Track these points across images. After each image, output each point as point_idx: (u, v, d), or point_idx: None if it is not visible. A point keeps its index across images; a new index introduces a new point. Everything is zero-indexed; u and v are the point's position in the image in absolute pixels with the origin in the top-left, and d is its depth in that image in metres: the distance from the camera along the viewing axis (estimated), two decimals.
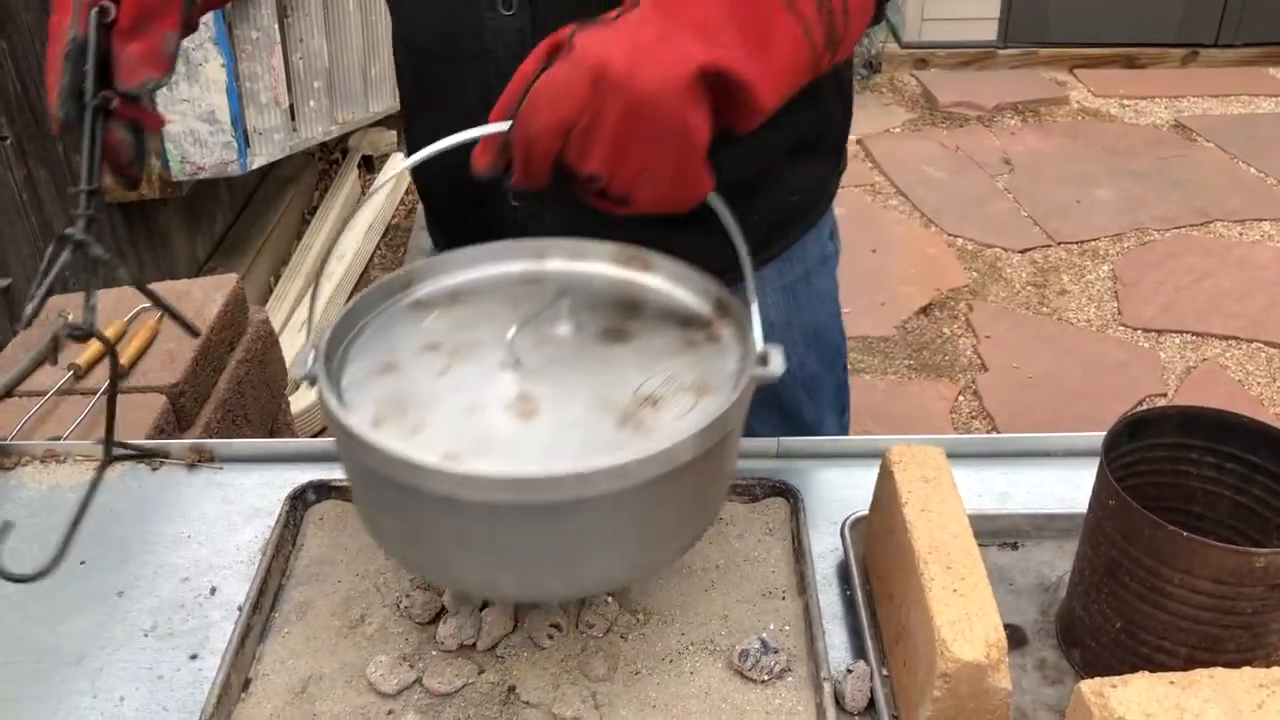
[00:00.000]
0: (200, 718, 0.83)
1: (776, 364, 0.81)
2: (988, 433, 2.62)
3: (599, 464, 0.71)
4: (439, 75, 1.06)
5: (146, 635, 0.95)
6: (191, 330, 0.98)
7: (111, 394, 0.95)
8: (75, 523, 0.86)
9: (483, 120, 0.81)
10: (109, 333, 1.69)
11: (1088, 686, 0.77)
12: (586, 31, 0.70)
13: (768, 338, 1.13)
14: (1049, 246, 3.42)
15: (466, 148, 0.75)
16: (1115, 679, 0.76)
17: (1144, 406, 2.69)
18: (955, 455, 0.96)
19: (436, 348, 0.86)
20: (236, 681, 0.88)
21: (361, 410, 0.79)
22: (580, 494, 0.71)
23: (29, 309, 0.85)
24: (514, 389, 0.81)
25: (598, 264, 0.96)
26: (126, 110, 0.84)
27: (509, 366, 0.82)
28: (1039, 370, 2.84)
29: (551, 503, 0.72)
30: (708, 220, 1.08)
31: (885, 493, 0.94)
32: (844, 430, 1.33)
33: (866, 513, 1.01)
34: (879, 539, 0.95)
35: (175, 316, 0.92)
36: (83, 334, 0.82)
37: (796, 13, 0.74)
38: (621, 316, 0.90)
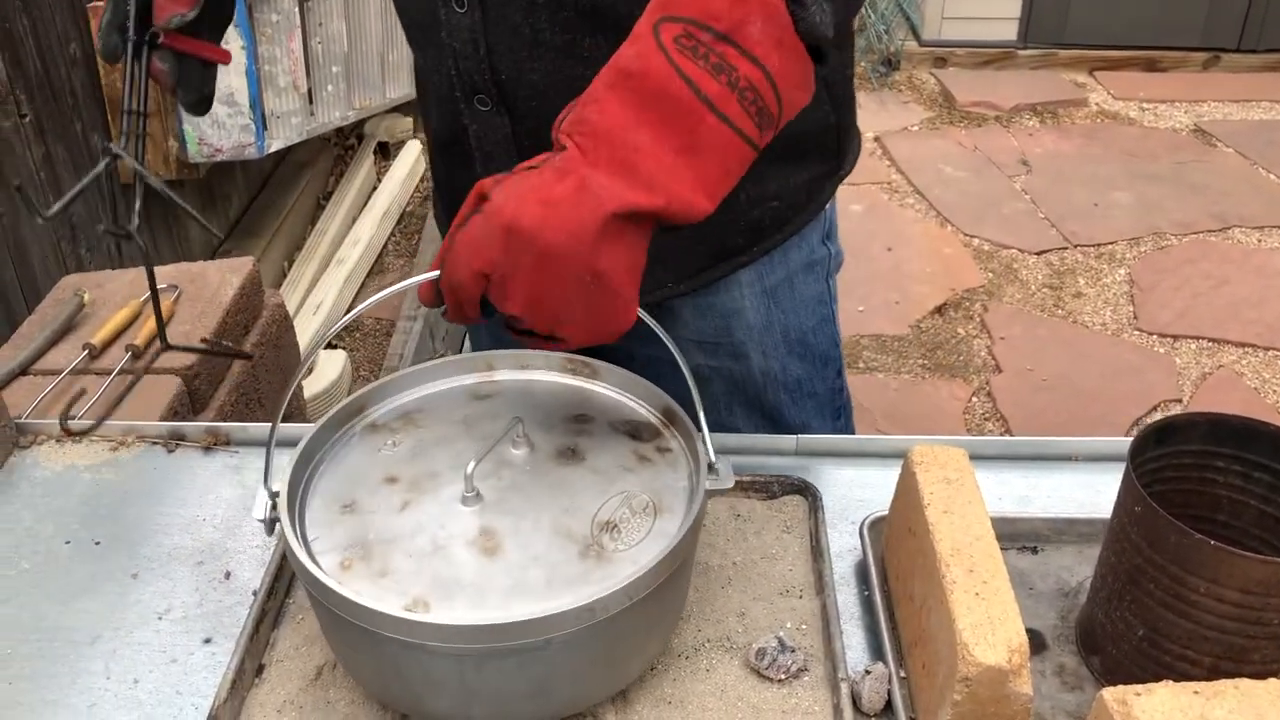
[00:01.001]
0: (214, 703, 0.83)
1: (726, 477, 0.85)
2: (1001, 434, 2.61)
3: (564, 606, 0.73)
4: (419, 60, 1.13)
5: (160, 618, 0.94)
6: (242, 355, 1.04)
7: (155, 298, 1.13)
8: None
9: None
10: (125, 312, 1.69)
11: (1110, 694, 0.76)
12: (504, 184, 0.75)
13: (745, 341, 1.16)
14: (1065, 249, 3.40)
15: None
16: (1138, 687, 0.75)
17: (1159, 412, 2.68)
18: (975, 457, 0.95)
19: (395, 480, 0.87)
20: (250, 667, 0.88)
21: (328, 556, 0.80)
22: (548, 635, 0.74)
23: (56, 205, 1.02)
24: (475, 524, 0.82)
25: (545, 374, 0.98)
26: (171, 41, 0.96)
27: (468, 500, 0.84)
28: (1053, 373, 2.83)
29: (520, 645, 0.74)
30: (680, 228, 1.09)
31: (906, 493, 0.93)
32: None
33: (885, 513, 1.01)
34: (899, 540, 0.94)
35: (224, 351, 1.01)
36: (124, 233, 1.01)
37: (720, 115, 0.74)
38: (573, 433, 0.91)
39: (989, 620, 0.78)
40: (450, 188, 1.19)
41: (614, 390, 0.96)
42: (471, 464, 0.82)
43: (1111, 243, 3.42)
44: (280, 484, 0.83)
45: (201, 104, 1.03)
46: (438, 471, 0.87)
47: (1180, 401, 2.72)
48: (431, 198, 1.27)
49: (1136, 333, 3.00)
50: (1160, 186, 3.75)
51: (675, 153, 0.74)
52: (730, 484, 0.85)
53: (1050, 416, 2.67)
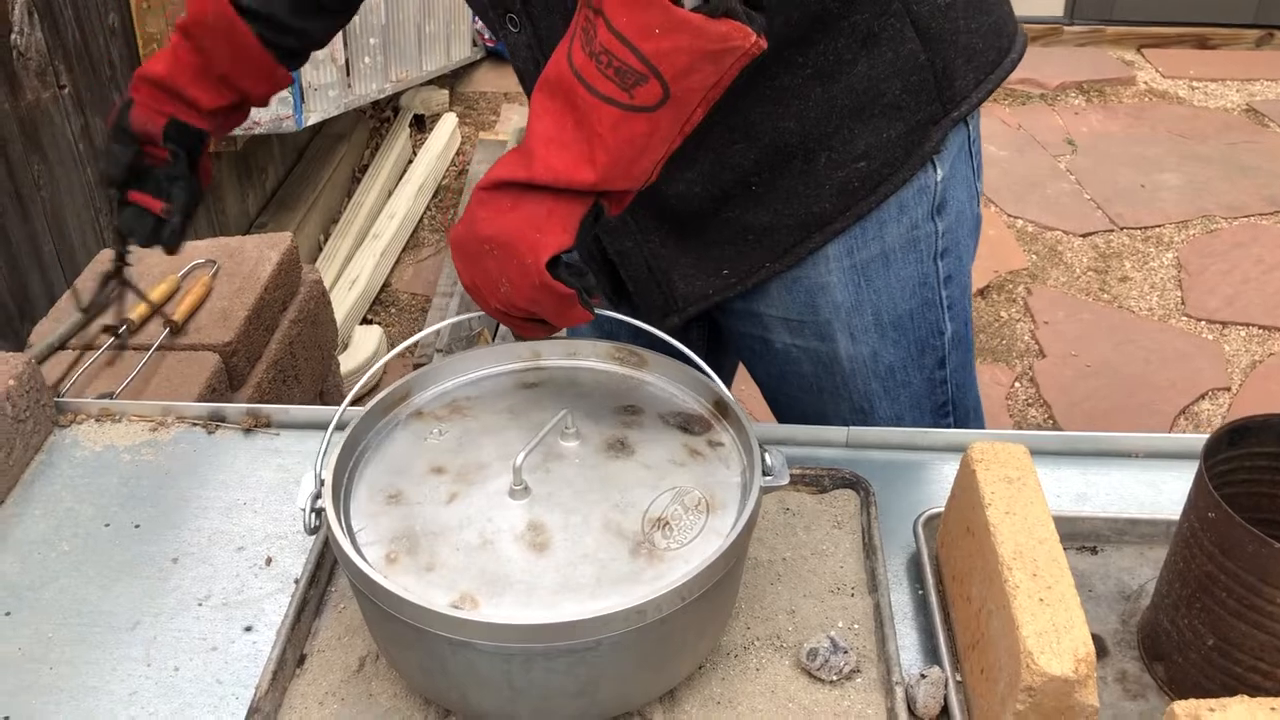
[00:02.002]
0: (255, 693, 0.81)
1: (781, 473, 0.82)
2: (1045, 421, 2.56)
3: (615, 606, 0.71)
4: None
5: (200, 605, 0.93)
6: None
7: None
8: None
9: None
10: (163, 286, 1.68)
11: (1182, 709, 0.73)
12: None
13: (831, 320, 1.11)
14: (1111, 231, 3.33)
15: None
16: (1211, 701, 0.72)
17: (1206, 401, 2.63)
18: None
19: (442, 471, 0.85)
20: (292, 657, 0.86)
21: (373, 549, 0.78)
22: (598, 636, 0.72)
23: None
24: (523, 518, 0.80)
25: (593, 362, 0.96)
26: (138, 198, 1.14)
27: (517, 493, 0.81)
28: (1098, 359, 2.77)
29: (569, 646, 0.72)
30: (730, 231, 1.05)
31: (965, 491, 0.90)
32: None
33: (940, 509, 0.98)
34: (956, 539, 0.91)
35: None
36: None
37: (586, 84, 0.79)
38: (622, 425, 0.89)
39: (1054, 628, 0.76)
40: None
41: (663, 380, 0.94)
42: (520, 456, 0.80)
43: (1159, 226, 3.35)
44: (325, 473, 0.81)
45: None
46: (485, 462, 0.84)
47: (1229, 390, 2.66)
48: None
49: (1184, 319, 2.93)
50: (1210, 168, 3.66)
51: (573, 128, 0.80)
52: (785, 480, 0.82)
53: (1095, 404, 2.61)
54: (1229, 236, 3.29)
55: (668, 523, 0.80)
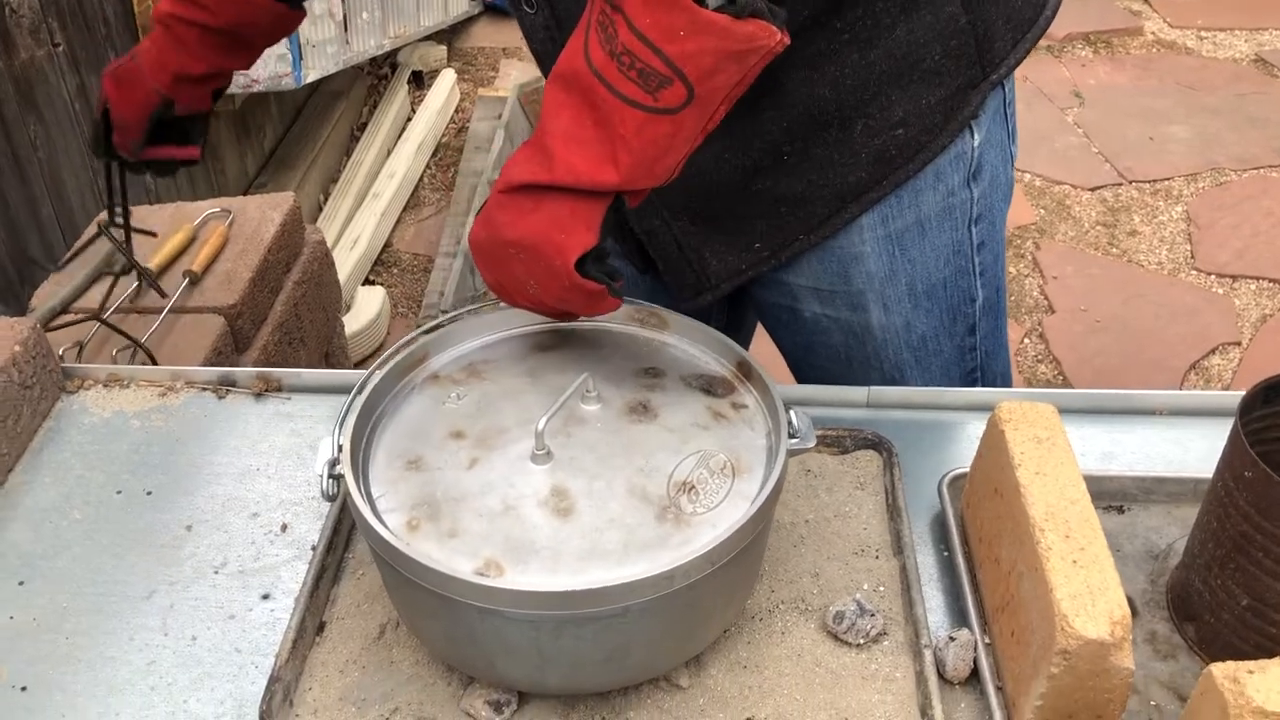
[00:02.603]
0: (275, 663, 0.80)
1: (807, 435, 0.81)
2: (1055, 377, 2.55)
3: (643, 573, 0.70)
4: None
5: (216, 572, 0.92)
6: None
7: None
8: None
9: None
10: (180, 236, 1.66)
11: (1220, 671, 0.72)
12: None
13: (864, 291, 1.09)
14: (1120, 185, 3.29)
15: None
16: (1250, 664, 0.71)
17: (1216, 356, 2.61)
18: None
19: (462, 436, 0.83)
20: (311, 625, 0.85)
21: (394, 516, 0.77)
22: (625, 602, 0.71)
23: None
24: (547, 483, 0.79)
25: (612, 323, 0.93)
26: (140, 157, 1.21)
27: (539, 458, 0.80)
28: (1107, 314, 2.75)
29: (597, 613, 0.71)
30: (762, 204, 1.02)
31: (993, 451, 0.88)
32: None
33: (965, 469, 0.96)
34: (983, 500, 0.90)
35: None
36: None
37: (607, 85, 0.76)
38: (644, 388, 0.87)
39: (1088, 590, 0.74)
40: None
41: (685, 342, 0.92)
42: (542, 420, 0.78)
43: (1168, 179, 3.31)
44: (343, 439, 0.79)
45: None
46: (506, 427, 0.83)
47: (1239, 344, 2.64)
48: None
49: (1194, 273, 2.91)
50: (1219, 119, 3.62)
51: (593, 127, 0.77)
52: (812, 443, 0.81)
53: (1105, 359, 2.59)
54: (1238, 189, 3.26)
55: (693, 487, 0.78)
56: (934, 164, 1.02)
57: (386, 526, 0.75)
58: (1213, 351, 2.62)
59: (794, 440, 0.80)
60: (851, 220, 1.03)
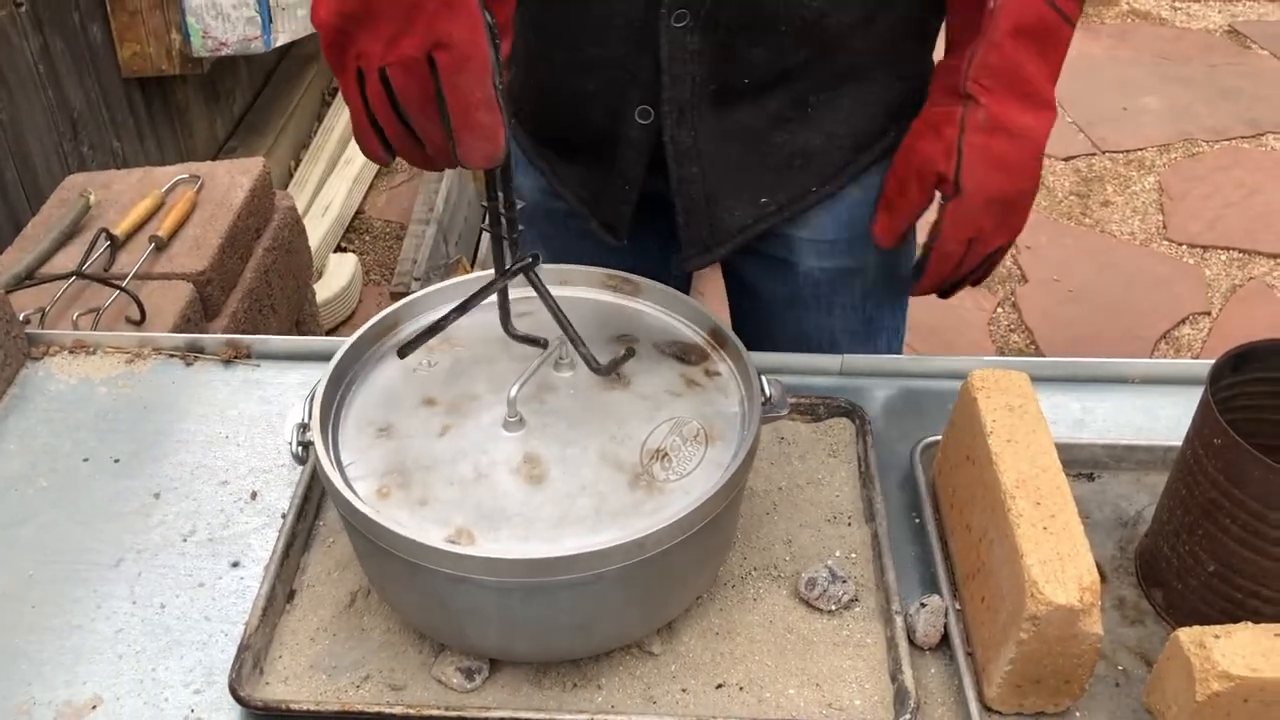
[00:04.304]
0: (245, 630, 0.80)
1: (780, 403, 0.81)
2: (1026, 346, 2.56)
3: (616, 540, 0.70)
4: None
5: (185, 540, 0.91)
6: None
7: None
8: None
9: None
10: (147, 202, 1.63)
11: (1186, 636, 0.73)
12: (960, 164, 0.95)
13: (864, 235, 1.08)
14: (1094, 155, 3.30)
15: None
16: (1216, 629, 0.72)
17: (1187, 325, 2.63)
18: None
19: (433, 403, 0.82)
20: (281, 593, 0.84)
21: (364, 483, 0.76)
22: (598, 569, 0.70)
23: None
24: (519, 450, 0.78)
25: (585, 290, 0.93)
26: None
27: (511, 425, 0.79)
28: (1080, 283, 2.76)
29: (568, 580, 0.71)
30: (778, 157, 1.02)
31: (965, 419, 0.88)
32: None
33: (937, 437, 0.96)
34: (955, 467, 0.90)
35: None
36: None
37: (1065, 18, 0.91)
38: (617, 355, 0.86)
39: (1058, 556, 0.75)
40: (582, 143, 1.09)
41: (658, 309, 0.91)
42: (514, 387, 0.77)
43: (1141, 149, 3.32)
44: (312, 405, 0.78)
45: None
46: (477, 394, 0.82)
47: (1209, 315, 2.67)
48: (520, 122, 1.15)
49: (1165, 243, 2.93)
50: (1192, 90, 3.63)
51: (1045, 63, 0.93)
52: (785, 411, 0.81)
53: (1077, 329, 2.61)
54: (1210, 160, 3.28)
55: (666, 454, 0.78)
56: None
57: (357, 494, 0.74)
58: (1183, 321, 2.64)
59: (767, 408, 0.80)
60: (863, 171, 1.06)
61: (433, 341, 0.88)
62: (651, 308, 0.91)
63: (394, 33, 0.64)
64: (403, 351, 0.81)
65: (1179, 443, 0.85)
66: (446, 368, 0.85)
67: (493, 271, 0.84)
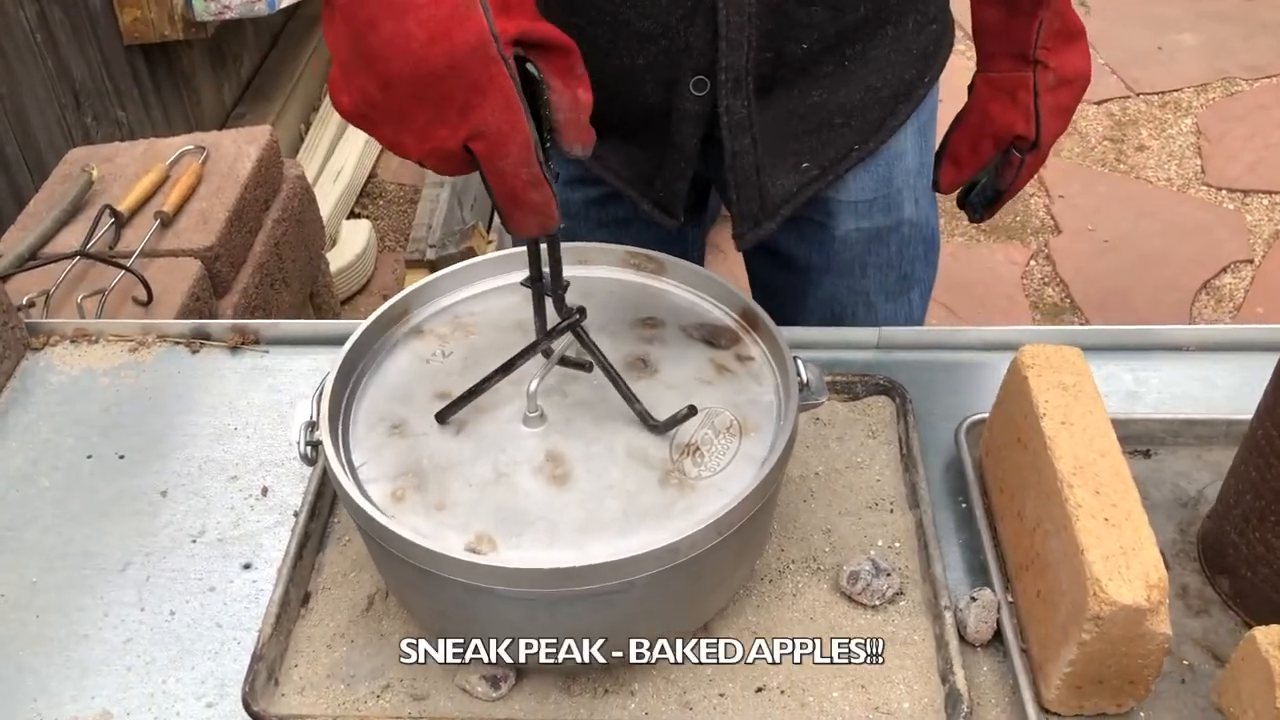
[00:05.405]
0: (259, 639, 0.76)
1: (819, 390, 0.75)
2: (1061, 300, 2.48)
3: (647, 546, 0.64)
4: None
5: (194, 541, 0.87)
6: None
7: None
8: None
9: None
10: (152, 176, 1.58)
11: (1264, 636, 0.67)
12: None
13: (903, 189, 1.05)
14: (1127, 97, 3.19)
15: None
16: None
17: (1229, 275, 2.54)
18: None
19: (448, 397, 0.76)
20: (295, 596, 0.80)
21: (377, 486, 0.71)
22: (628, 577, 0.65)
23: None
24: (540, 448, 0.73)
25: (606, 270, 0.87)
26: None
27: (531, 421, 0.74)
28: (1115, 233, 2.68)
29: (597, 589, 0.66)
30: (815, 119, 0.97)
31: (1016, 399, 0.83)
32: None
33: (984, 415, 0.91)
34: (1004, 449, 0.85)
35: None
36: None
37: None
38: (642, 340, 0.81)
39: (1122, 551, 0.69)
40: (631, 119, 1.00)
41: (684, 289, 0.85)
42: (534, 381, 0.72)
43: (1177, 90, 3.21)
44: (320, 403, 0.73)
45: None
46: (495, 387, 0.77)
47: (1251, 262, 2.58)
48: None
49: (1204, 188, 2.83)
50: (1229, 26, 3.50)
51: None
52: (824, 398, 0.75)
53: (1113, 280, 2.53)
54: (1250, 99, 3.16)
55: (698, 448, 0.73)
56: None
57: (370, 499, 0.69)
58: (1224, 270, 2.56)
59: (804, 395, 0.74)
60: (901, 123, 1.03)
61: (446, 329, 0.83)
62: (677, 287, 0.86)
63: (424, 126, 0.60)
64: (441, 416, 0.75)
65: (1241, 415, 0.79)
66: (461, 357, 0.80)
67: (508, 251, 0.79)
